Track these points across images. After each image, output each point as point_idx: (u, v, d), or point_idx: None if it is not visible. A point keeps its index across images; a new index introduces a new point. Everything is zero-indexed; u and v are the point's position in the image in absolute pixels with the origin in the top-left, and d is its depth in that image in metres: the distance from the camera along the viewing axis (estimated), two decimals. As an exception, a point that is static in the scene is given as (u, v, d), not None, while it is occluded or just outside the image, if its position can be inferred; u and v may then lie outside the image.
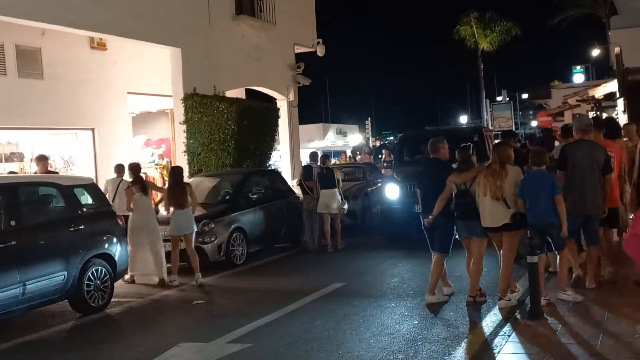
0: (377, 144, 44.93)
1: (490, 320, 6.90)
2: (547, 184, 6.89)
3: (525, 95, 66.87)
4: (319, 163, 13.73)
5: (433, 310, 7.47)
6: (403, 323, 7.01)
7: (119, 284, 9.29)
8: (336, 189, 12.59)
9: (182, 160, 14.75)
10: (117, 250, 8.78)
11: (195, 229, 10.17)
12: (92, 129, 15.00)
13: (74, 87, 14.42)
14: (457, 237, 7.77)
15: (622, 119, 16.56)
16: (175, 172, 10.56)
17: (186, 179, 13.52)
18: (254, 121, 15.33)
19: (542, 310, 6.66)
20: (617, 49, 18.81)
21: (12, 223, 7.35)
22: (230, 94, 16.23)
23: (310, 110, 44.35)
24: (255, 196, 12.22)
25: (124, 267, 9.09)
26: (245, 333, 6.90)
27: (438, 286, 7.91)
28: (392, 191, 12.56)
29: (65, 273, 7.85)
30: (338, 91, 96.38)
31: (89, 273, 8.19)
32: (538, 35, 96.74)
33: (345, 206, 12.93)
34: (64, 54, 14.23)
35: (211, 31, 15.81)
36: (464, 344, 6.15)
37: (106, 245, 8.62)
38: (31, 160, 13.00)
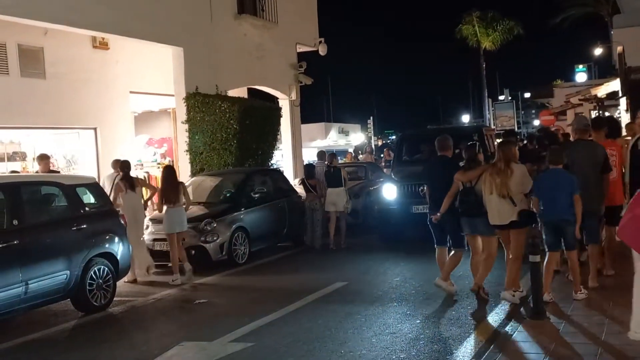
0: (380, 143, 44.94)
1: (492, 319, 6.90)
2: (566, 183, 6.97)
3: (527, 95, 66.56)
4: (326, 162, 13.81)
5: (435, 309, 7.48)
6: (405, 322, 7.01)
7: (121, 283, 9.30)
8: (343, 188, 12.67)
9: (184, 160, 14.77)
10: (119, 249, 8.78)
11: (186, 229, 10.29)
12: (95, 129, 15.02)
13: (76, 87, 14.43)
14: (462, 233, 7.86)
15: (625, 118, 16.53)
16: (167, 171, 10.60)
17: (187, 178, 13.57)
18: (256, 120, 15.33)
19: (545, 309, 6.65)
20: (619, 48, 18.74)
21: (15, 222, 7.36)
22: (232, 93, 16.24)
23: (313, 110, 44.50)
24: (257, 195, 12.22)
25: (126, 266, 9.09)
26: (248, 332, 6.91)
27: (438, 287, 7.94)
28: (389, 191, 12.39)
29: (68, 272, 7.85)
30: (340, 90, 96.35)
31: (91, 272, 8.19)
32: (540, 34, 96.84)
33: (350, 205, 13.00)
34: (66, 54, 14.25)
35: (213, 30, 15.82)
36: (466, 343, 6.14)
37: (108, 245, 8.62)
38: (33, 159, 13.02)
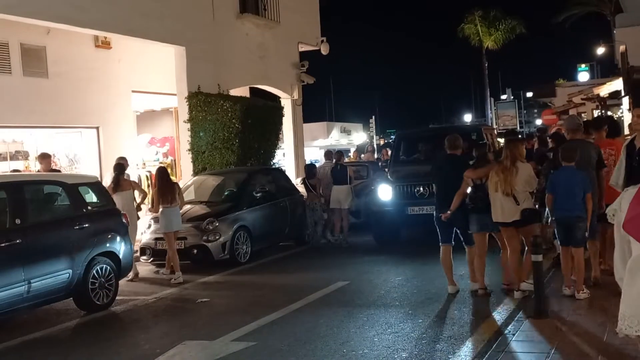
0: (381, 142, 44.88)
1: (495, 318, 6.90)
2: (580, 181, 7.06)
3: (529, 94, 66.49)
4: (333, 160, 13.90)
5: (437, 308, 7.48)
6: (407, 321, 7.01)
7: (123, 282, 9.31)
8: (349, 186, 12.71)
9: (186, 159, 14.78)
10: (121, 248, 8.79)
11: (182, 229, 10.33)
12: (97, 128, 15.01)
13: (79, 86, 14.43)
14: (469, 231, 7.88)
15: (627, 117, 16.51)
16: (161, 172, 10.59)
17: (190, 178, 13.58)
18: (258, 119, 15.34)
19: (547, 308, 6.65)
20: (622, 47, 18.73)
21: (17, 221, 7.37)
22: (234, 92, 16.24)
23: (315, 109, 44.48)
24: (259, 194, 12.22)
25: (128, 265, 9.10)
26: (250, 331, 6.91)
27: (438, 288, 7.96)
28: (384, 192, 12.01)
29: (70, 271, 7.87)
30: (342, 89, 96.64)
31: (94, 271, 8.21)
32: (543, 34, 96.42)
33: (354, 203, 13.09)
34: (68, 53, 14.24)
35: (215, 29, 15.82)
36: (468, 343, 6.14)
37: (111, 244, 8.63)
38: (36, 158, 13.03)
